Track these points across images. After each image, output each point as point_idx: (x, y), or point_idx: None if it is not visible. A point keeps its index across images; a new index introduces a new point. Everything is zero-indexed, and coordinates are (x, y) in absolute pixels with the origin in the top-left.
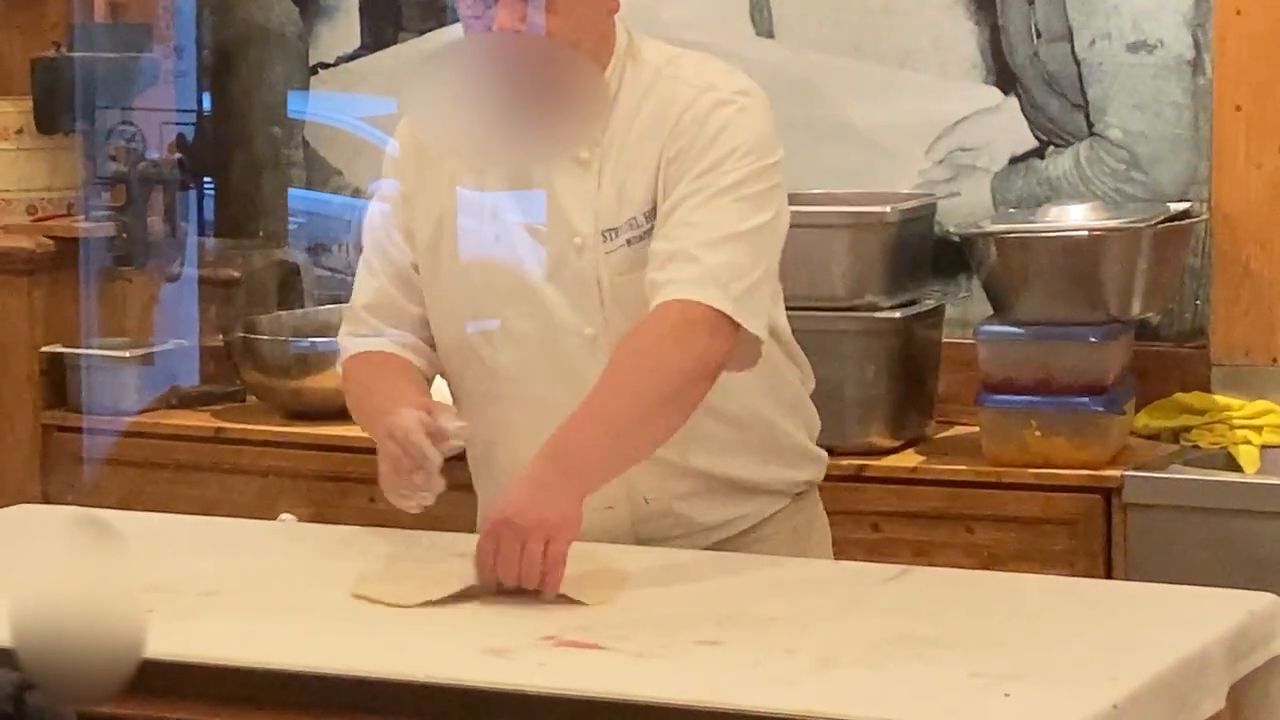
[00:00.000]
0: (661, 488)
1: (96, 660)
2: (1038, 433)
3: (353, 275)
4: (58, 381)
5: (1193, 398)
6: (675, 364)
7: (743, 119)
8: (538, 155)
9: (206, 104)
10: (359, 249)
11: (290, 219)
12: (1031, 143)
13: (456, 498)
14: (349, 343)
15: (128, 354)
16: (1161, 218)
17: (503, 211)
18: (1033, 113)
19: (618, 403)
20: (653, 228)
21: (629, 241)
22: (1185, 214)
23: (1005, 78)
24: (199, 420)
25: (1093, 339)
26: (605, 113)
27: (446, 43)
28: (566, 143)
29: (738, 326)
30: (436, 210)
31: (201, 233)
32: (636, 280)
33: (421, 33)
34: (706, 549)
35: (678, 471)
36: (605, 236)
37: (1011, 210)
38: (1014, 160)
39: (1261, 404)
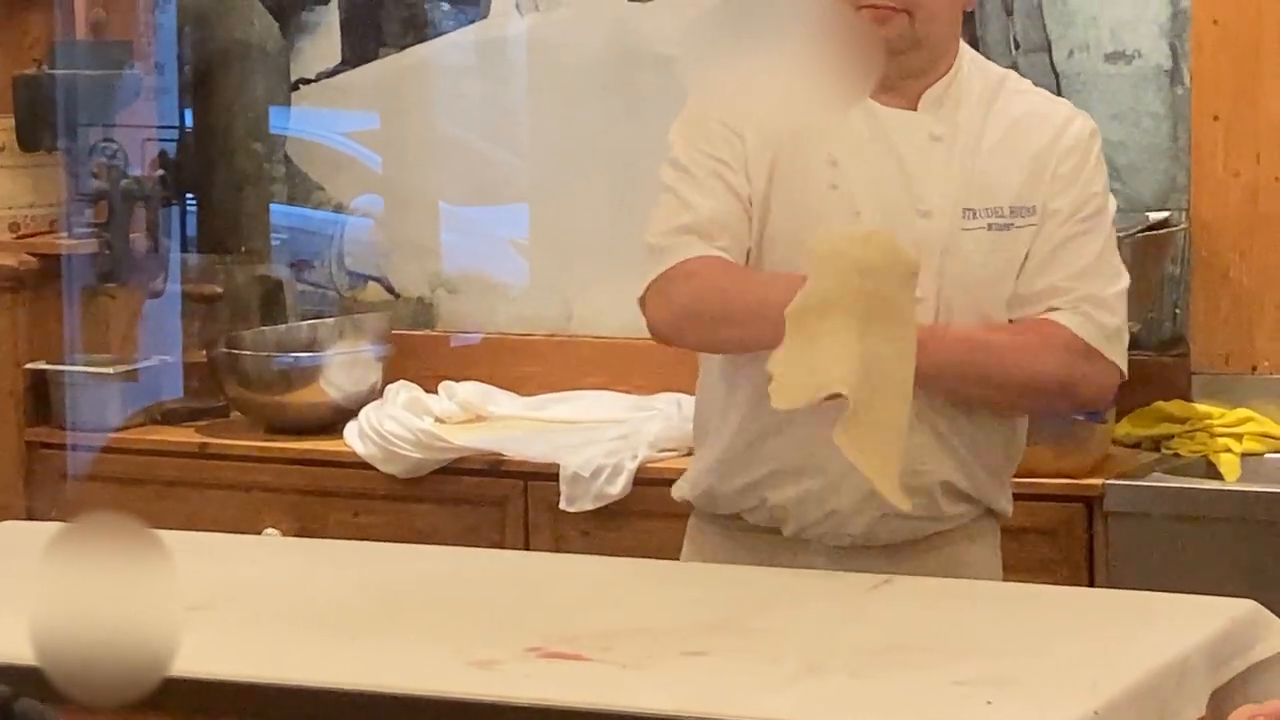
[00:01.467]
0: (930, 461)
1: (124, 667)
2: None
3: (334, 290)
4: (42, 398)
5: (1173, 406)
6: (1054, 363)
7: (1100, 149)
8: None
9: (188, 120)
10: (341, 261)
11: (272, 234)
12: None
13: (441, 510)
14: (689, 244)
15: (111, 370)
16: (1141, 227)
17: (842, 173)
18: None
19: (986, 352)
20: (1015, 223)
21: (990, 226)
22: (1164, 223)
23: None
24: (183, 436)
25: None
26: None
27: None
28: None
29: (1116, 375)
30: (768, 161)
31: (184, 249)
32: (990, 262)
33: (402, 48)
34: (908, 542)
35: (948, 449)
36: (965, 215)
37: None
38: None
39: (1241, 412)
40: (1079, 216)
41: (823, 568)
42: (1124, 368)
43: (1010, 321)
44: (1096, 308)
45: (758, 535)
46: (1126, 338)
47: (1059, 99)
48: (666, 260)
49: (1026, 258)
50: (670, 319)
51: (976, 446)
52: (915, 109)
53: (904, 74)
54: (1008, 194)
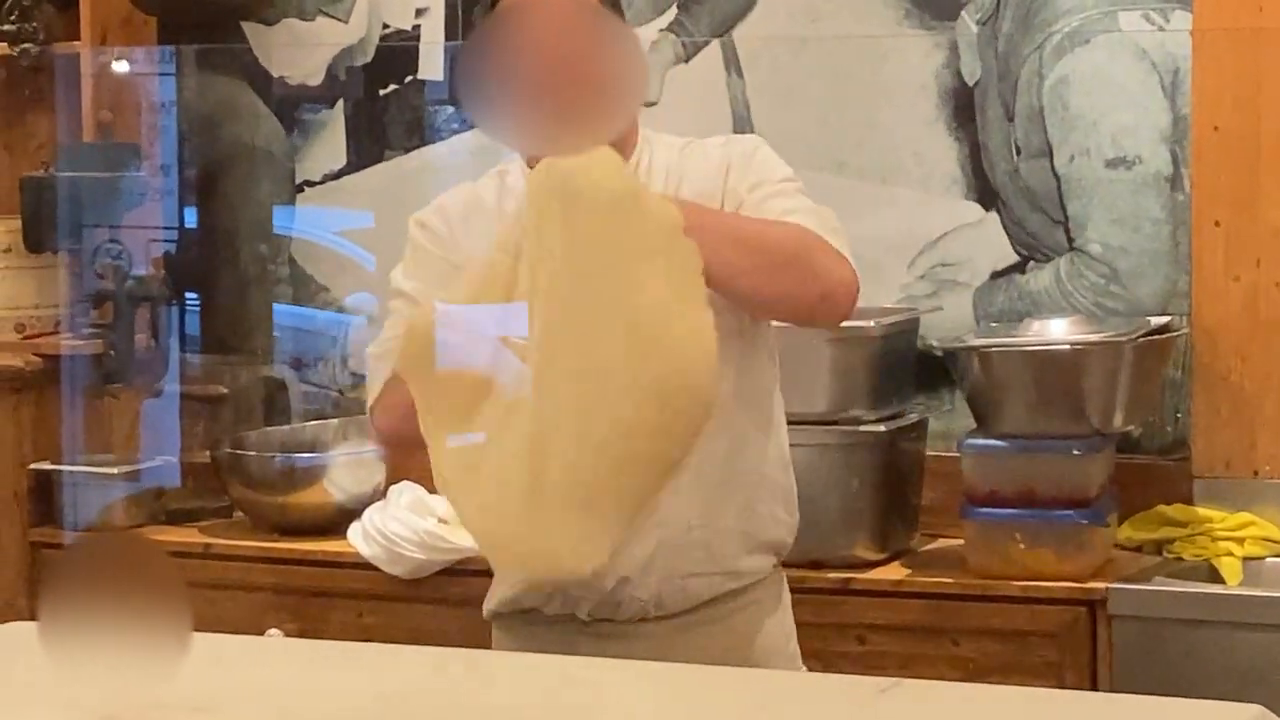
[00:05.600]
0: (706, 515)
1: None
2: (1022, 545)
3: (337, 390)
4: (46, 498)
5: (1175, 510)
6: (810, 248)
7: (773, 152)
8: (576, 138)
9: (193, 221)
10: (344, 362)
11: (276, 335)
12: (1012, 257)
13: (445, 611)
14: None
15: (115, 470)
16: (1142, 331)
17: None
18: (1013, 228)
19: (754, 232)
20: None
21: None
22: (1165, 328)
23: (986, 193)
24: (186, 536)
25: (1076, 452)
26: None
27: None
28: (606, 122)
29: (849, 270)
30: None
31: (188, 349)
32: None
33: (406, 150)
34: (704, 604)
35: (723, 501)
36: None
37: (993, 324)
38: (995, 275)
39: (1243, 516)
40: (768, 184)
41: (619, 648)
42: (855, 270)
43: None
44: (812, 221)
45: (555, 623)
46: (849, 251)
47: (732, 136)
48: (384, 370)
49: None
50: (390, 427)
51: (761, 496)
52: None
53: None
54: None
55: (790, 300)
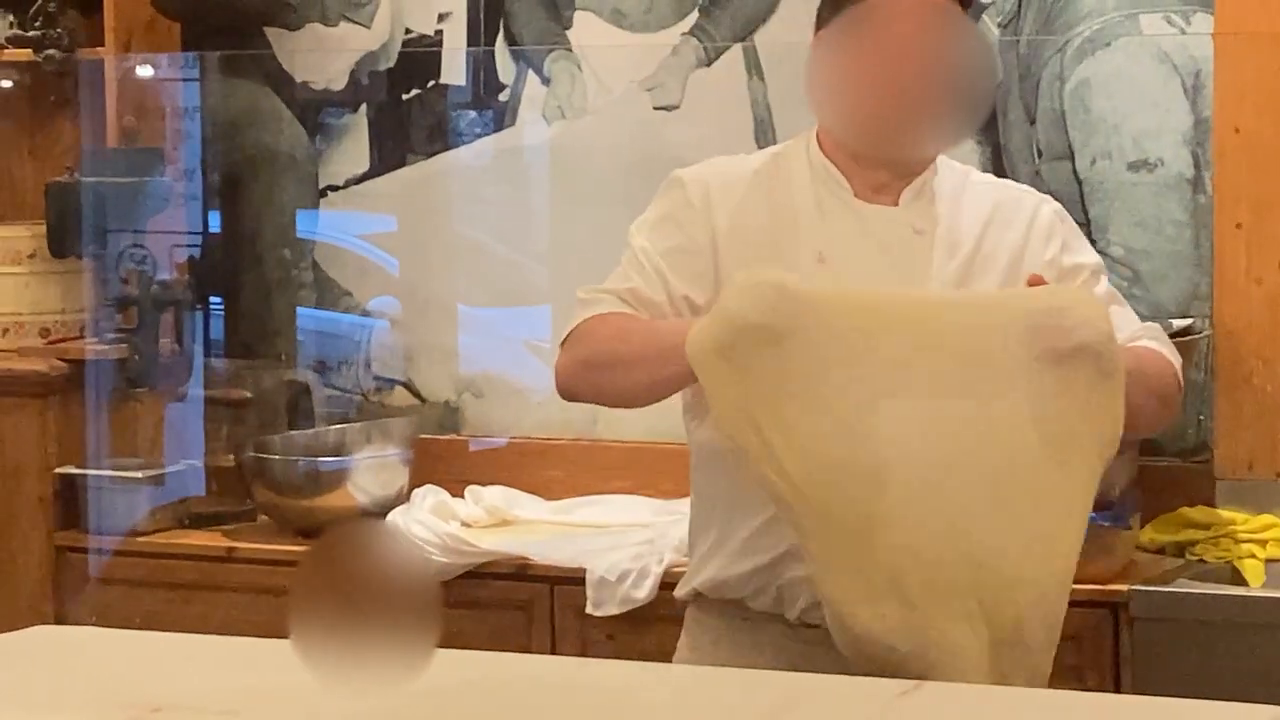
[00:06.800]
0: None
1: None
2: None
3: (361, 394)
4: (71, 502)
5: (1197, 512)
6: (1176, 387)
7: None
8: (932, 142)
9: (217, 226)
10: (367, 366)
11: (299, 339)
12: None
13: (468, 614)
14: (607, 301)
15: (140, 474)
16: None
17: (830, 268)
18: None
19: (1154, 373)
20: None
21: None
22: (1187, 330)
23: None
24: (211, 540)
25: None
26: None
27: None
28: (962, 127)
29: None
30: (745, 256)
31: (212, 353)
32: None
33: (429, 155)
34: None
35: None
36: None
37: None
38: None
39: (1266, 518)
40: (1085, 270)
41: (826, 657)
42: None
43: None
44: (1171, 349)
45: (761, 621)
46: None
47: (1019, 185)
48: (583, 313)
49: None
50: (566, 366)
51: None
52: (896, 204)
53: (897, 174)
54: (992, 282)
55: (1146, 431)
